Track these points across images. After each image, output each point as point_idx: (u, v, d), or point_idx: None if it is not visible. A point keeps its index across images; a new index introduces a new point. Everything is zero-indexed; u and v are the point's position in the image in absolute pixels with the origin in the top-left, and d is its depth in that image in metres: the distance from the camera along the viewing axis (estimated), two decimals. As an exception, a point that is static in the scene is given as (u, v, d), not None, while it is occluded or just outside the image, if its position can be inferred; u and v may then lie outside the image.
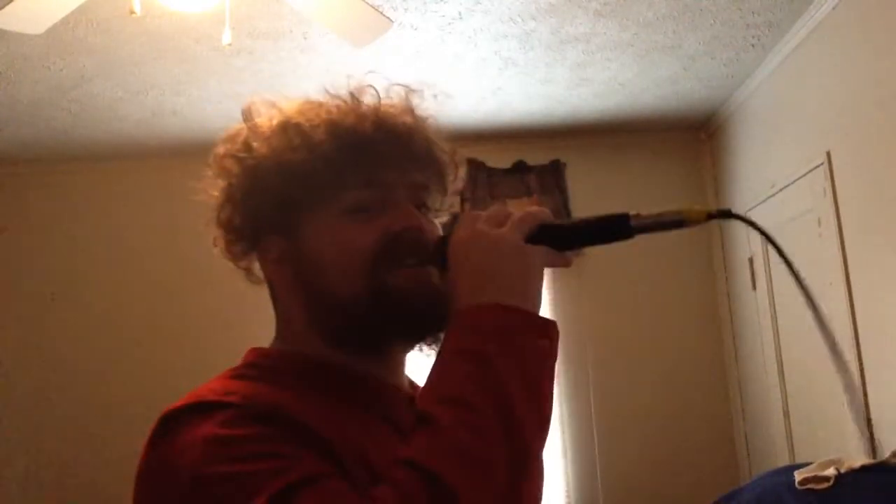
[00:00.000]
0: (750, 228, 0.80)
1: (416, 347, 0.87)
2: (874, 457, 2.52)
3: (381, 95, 0.89)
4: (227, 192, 0.90)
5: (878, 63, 2.56)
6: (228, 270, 0.93)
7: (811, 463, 2.31)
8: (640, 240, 0.78)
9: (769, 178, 3.40)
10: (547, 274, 0.80)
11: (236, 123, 0.95)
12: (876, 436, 2.64)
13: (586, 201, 4.08)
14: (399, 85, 0.90)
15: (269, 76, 3.24)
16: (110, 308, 4.02)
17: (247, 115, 0.92)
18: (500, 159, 4.02)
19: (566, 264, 0.80)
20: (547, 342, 0.75)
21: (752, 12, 2.88)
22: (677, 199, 4.39)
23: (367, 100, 0.89)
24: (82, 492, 3.70)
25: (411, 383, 0.93)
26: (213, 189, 0.92)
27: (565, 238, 0.79)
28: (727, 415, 3.95)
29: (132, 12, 2.04)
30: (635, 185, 4.14)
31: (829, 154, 2.88)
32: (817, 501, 2.08)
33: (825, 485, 2.08)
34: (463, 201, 3.81)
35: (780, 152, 3.32)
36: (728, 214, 0.77)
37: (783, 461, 3.18)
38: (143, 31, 2.83)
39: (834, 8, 2.76)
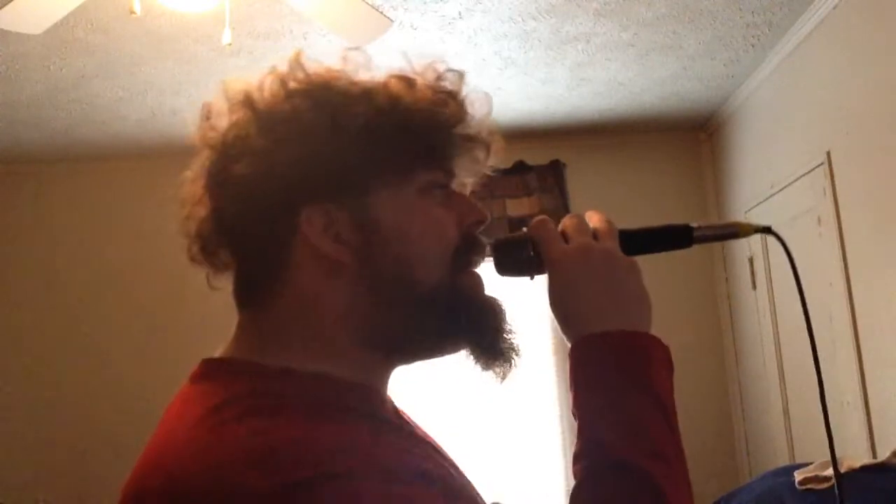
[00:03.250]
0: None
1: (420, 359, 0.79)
2: (874, 457, 2.52)
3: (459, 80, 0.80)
4: (249, 139, 0.73)
5: (879, 63, 2.56)
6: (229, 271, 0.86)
7: (811, 463, 2.31)
8: None
9: (769, 177, 3.40)
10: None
11: None
12: (876, 436, 2.64)
13: (586, 201, 4.08)
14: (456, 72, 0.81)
15: (269, 76, 3.24)
16: (110, 307, 4.02)
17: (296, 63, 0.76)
18: (499, 159, 4.01)
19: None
20: (671, 368, 0.76)
21: (752, 12, 2.88)
22: (677, 199, 4.41)
23: (452, 80, 0.80)
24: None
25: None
26: (210, 135, 0.75)
27: (634, 245, 0.82)
28: (727, 415, 3.95)
29: (132, 12, 2.04)
30: (635, 184, 4.14)
31: (829, 154, 2.87)
32: (817, 501, 2.08)
33: (825, 485, 2.08)
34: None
35: (780, 152, 3.32)
36: (768, 231, 0.87)
37: (783, 461, 3.18)
38: (143, 31, 2.83)
39: (834, 8, 2.76)
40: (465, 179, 0.80)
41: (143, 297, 4.01)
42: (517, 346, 0.77)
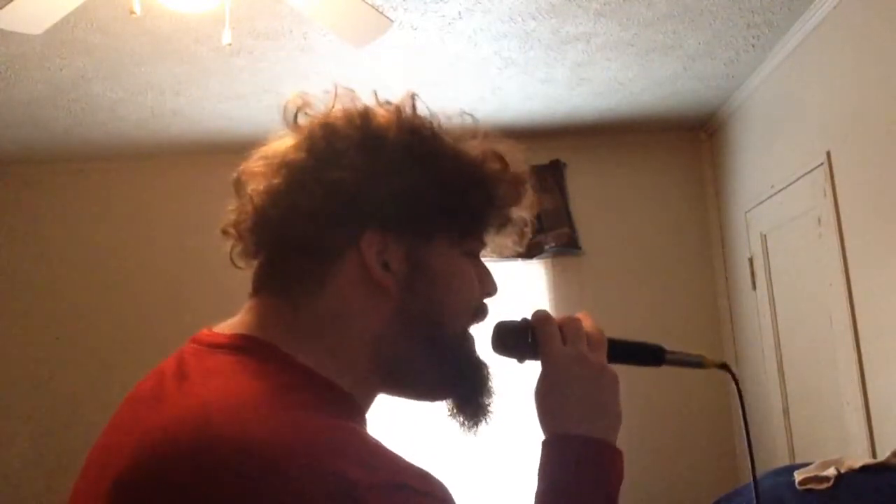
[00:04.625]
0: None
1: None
2: (874, 457, 2.52)
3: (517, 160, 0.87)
4: (350, 150, 0.78)
5: (879, 63, 2.56)
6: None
7: (811, 463, 2.31)
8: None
9: (769, 178, 3.40)
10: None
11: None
12: (876, 436, 2.64)
13: (586, 201, 4.09)
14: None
15: (269, 76, 3.24)
16: (110, 307, 4.02)
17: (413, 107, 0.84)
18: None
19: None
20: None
21: (752, 12, 2.88)
22: (677, 199, 4.40)
23: (517, 160, 0.86)
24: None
25: None
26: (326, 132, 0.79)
27: (614, 354, 0.90)
28: (727, 415, 3.95)
29: (132, 12, 2.04)
30: (635, 184, 4.14)
31: (829, 154, 2.87)
32: (817, 501, 2.08)
33: (825, 485, 2.08)
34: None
35: (780, 152, 3.32)
36: (726, 368, 0.96)
37: (783, 461, 3.18)
38: (143, 31, 2.83)
39: (834, 8, 2.76)
40: (493, 252, 0.89)
41: (142, 297, 4.01)
42: (493, 406, 0.85)
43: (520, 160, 0.86)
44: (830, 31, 2.83)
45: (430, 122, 0.82)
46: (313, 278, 0.77)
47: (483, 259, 0.88)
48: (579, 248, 4.02)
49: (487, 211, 0.83)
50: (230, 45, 2.43)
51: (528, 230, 0.89)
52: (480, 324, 0.87)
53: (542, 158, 4.03)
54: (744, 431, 0.99)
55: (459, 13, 2.80)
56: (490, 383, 0.85)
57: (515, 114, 3.76)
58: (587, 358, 0.85)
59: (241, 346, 0.74)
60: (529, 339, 0.87)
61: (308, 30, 2.86)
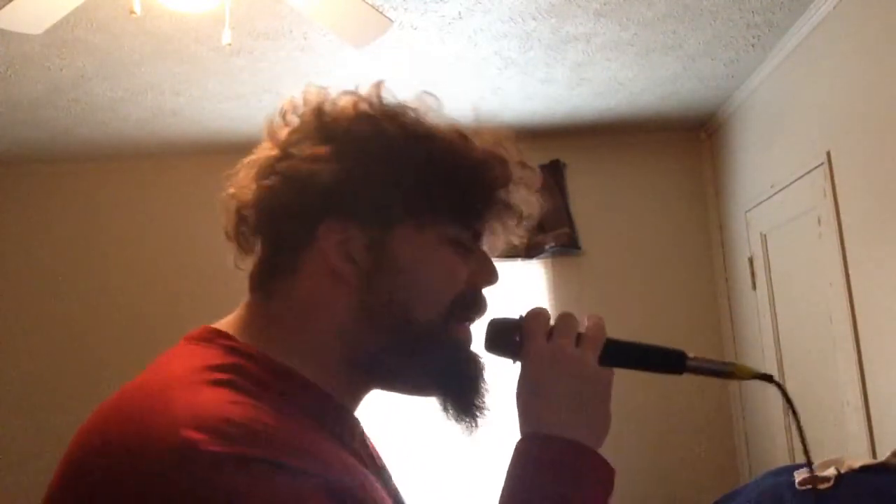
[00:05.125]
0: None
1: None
2: (874, 457, 2.52)
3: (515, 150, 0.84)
4: (305, 143, 0.78)
5: (879, 63, 2.56)
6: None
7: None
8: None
9: (769, 178, 3.40)
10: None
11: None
12: (876, 436, 2.64)
13: (586, 201, 4.09)
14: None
15: (269, 76, 3.24)
16: (109, 307, 4.02)
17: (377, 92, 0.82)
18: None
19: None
20: (609, 490, 0.77)
21: (752, 12, 2.88)
22: (677, 199, 4.40)
23: (509, 147, 0.83)
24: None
25: None
26: (284, 131, 0.81)
27: (621, 358, 0.83)
28: (727, 415, 3.95)
29: (132, 12, 2.04)
30: (635, 184, 4.14)
31: (829, 154, 2.87)
32: (817, 501, 2.07)
33: (825, 485, 2.08)
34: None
35: (780, 152, 3.32)
36: (769, 379, 0.85)
37: (783, 461, 3.18)
38: (143, 31, 2.83)
39: (834, 8, 2.76)
40: (494, 242, 0.84)
41: (142, 297, 4.01)
42: (488, 406, 0.81)
43: (500, 140, 0.83)
44: (830, 31, 2.83)
45: (395, 109, 0.80)
46: (285, 272, 0.78)
47: (483, 248, 0.84)
48: (579, 248, 4.02)
49: (452, 192, 0.78)
50: (230, 45, 2.43)
51: (527, 210, 0.83)
52: (478, 317, 0.82)
53: (542, 158, 4.03)
54: (800, 444, 0.85)
55: (459, 13, 2.80)
56: (481, 382, 0.81)
57: (515, 114, 3.76)
58: (567, 354, 0.78)
59: (200, 336, 0.77)
60: (517, 337, 0.81)
61: (308, 30, 2.86)
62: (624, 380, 0.86)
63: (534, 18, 2.86)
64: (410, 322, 0.77)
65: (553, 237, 3.95)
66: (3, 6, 2.17)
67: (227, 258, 0.84)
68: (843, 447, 2.72)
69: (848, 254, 2.77)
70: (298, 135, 0.79)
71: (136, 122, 3.67)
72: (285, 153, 0.78)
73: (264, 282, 0.80)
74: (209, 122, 3.65)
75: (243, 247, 0.81)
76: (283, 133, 0.81)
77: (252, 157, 0.82)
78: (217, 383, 0.68)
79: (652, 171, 4.16)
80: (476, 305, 0.82)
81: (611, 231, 4.08)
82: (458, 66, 3.24)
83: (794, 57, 3.11)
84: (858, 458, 2.31)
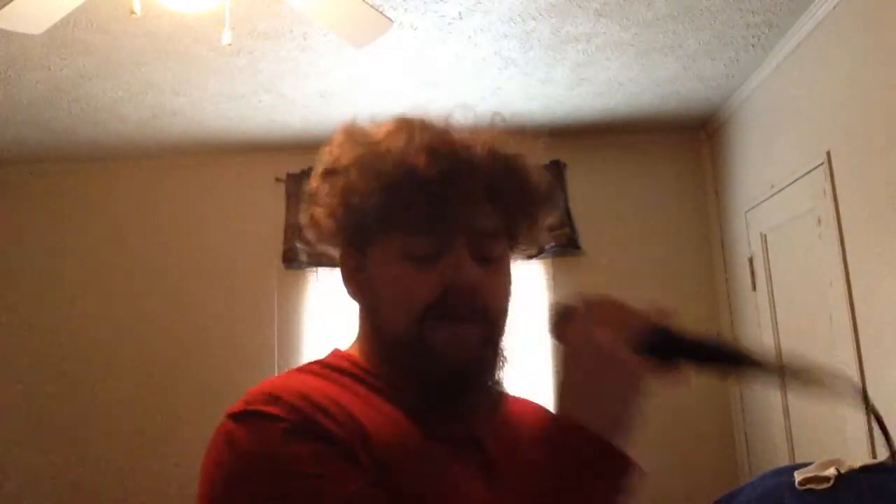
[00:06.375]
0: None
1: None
2: (874, 457, 2.52)
3: (455, 124, 0.88)
4: (333, 193, 0.90)
5: (879, 63, 2.56)
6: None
7: (811, 463, 2.31)
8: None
9: (769, 178, 3.40)
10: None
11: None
12: (876, 436, 2.64)
13: (586, 201, 4.08)
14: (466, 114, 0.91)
15: (269, 76, 3.24)
16: (109, 307, 4.02)
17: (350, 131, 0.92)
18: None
19: (671, 381, 0.83)
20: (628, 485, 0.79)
21: (752, 12, 2.88)
22: (677, 199, 4.38)
23: (433, 129, 0.87)
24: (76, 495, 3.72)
25: None
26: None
27: (678, 350, 0.81)
28: (727, 415, 3.95)
29: (132, 12, 2.04)
30: (635, 184, 4.14)
31: (829, 154, 2.87)
32: (817, 501, 2.07)
33: (825, 485, 2.08)
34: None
35: (780, 152, 3.32)
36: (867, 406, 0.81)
37: (783, 461, 3.18)
38: (143, 31, 2.83)
39: (834, 8, 2.76)
40: (470, 229, 0.86)
41: (143, 296, 4.01)
42: (469, 405, 0.86)
43: (452, 131, 0.87)
44: (830, 31, 2.83)
45: (366, 138, 0.88)
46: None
47: (455, 255, 0.85)
48: (579, 248, 4.02)
49: (397, 207, 0.83)
50: (230, 45, 2.43)
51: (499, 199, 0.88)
52: (465, 319, 0.84)
53: (543, 158, 4.02)
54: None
55: (459, 13, 2.80)
56: (457, 384, 0.84)
57: (515, 114, 3.76)
58: (595, 344, 0.76)
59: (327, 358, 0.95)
60: (558, 322, 0.80)
61: (308, 30, 2.86)
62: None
63: (534, 18, 2.86)
64: (383, 333, 0.88)
65: (553, 237, 3.95)
66: (3, 6, 2.17)
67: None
68: (843, 447, 2.72)
69: (848, 254, 2.77)
70: (315, 181, 0.92)
71: (137, 122, 3.67)
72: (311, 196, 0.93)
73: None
74: (209, 122, 3.65)
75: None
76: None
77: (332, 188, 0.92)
78: (305, 371, 0.89)
79: (652, 172, 4.16)
80: (450, 309, 0.84)
81: (611, 231, 4.08)
82: (458, 66, 3.24)
83: (794, 57, 3.11)
84: (858, 458, 2.31)
